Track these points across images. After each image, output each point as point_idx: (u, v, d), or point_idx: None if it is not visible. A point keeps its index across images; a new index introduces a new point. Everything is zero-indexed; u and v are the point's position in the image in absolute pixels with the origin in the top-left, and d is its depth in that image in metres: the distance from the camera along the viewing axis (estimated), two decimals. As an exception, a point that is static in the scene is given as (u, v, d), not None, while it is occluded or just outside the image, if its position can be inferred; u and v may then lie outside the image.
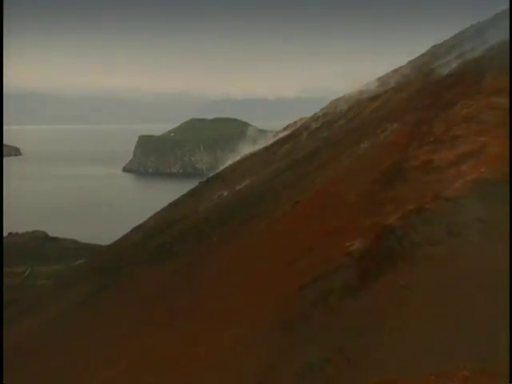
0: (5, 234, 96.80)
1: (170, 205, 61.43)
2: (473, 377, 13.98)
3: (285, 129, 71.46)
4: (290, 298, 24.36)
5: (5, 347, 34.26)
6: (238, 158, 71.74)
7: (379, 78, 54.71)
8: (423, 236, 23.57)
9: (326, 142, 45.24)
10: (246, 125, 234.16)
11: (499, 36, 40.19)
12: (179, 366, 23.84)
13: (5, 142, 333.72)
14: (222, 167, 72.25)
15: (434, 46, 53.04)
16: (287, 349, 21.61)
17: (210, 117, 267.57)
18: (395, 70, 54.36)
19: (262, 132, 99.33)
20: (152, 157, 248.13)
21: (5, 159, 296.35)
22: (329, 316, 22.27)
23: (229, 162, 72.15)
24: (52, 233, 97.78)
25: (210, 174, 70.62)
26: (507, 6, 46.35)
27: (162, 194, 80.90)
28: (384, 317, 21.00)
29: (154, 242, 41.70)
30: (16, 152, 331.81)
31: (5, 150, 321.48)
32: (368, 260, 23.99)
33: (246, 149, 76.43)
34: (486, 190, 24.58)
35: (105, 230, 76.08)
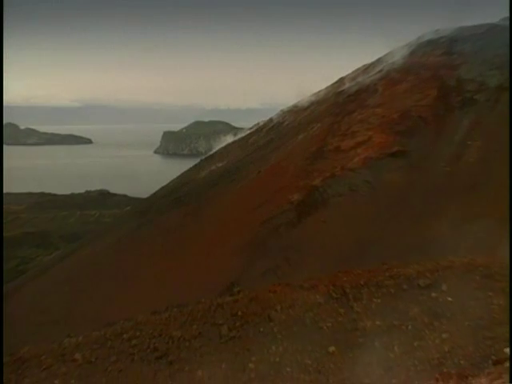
0: (82, 191, 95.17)
1: (182, 173, 60.76)
2: (363, 273, 14.29)
3: (252, 127, 70.64)
4: (255, 229, 24.51)
5: (92, 256, 34.10)
6: (223, 144, 70.81)
7: (312, 95, 53.98)
8: (334, 191, 23.90)
9: (277, 135, 44.96)
10: (228, 125, 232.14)
11: (382, 71, 40.23)
12: (189, 268, 24.01)
13: (80, 135, 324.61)
14: (214, 150, 71.37)
15: (341, 77, 52.62)
16: (253, 259, 21.83)
17: (207, 120, 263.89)
18: (320, 90, 53.80)
19: (238, 129, 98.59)
20: (172, 144, 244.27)
21: (80, 146, 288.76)
22: (279, 240, 22.54)
23: (218, 147, 71.33)
24: (112, 190, 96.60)
25: (207, 155, 69.87)
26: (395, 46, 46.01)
27: (178, 167, 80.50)
28: (312, 240, 21.37)
29: (173, 195, 41.30)
30: (88, 141, 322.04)
31: (80, 140, 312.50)
32: (302, 206, 24.25)
33: (228, 139, 75.53)
34: (372, 164, 24.97)
35: (143, 188, 75.35)
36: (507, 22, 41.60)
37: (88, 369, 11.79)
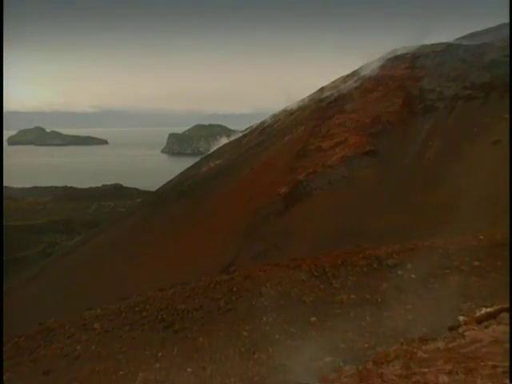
0: (99, 185, 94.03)
1: (185, 169, 60.22)
2: (340, 255, 14.25)
3: (245, 130, 69.98)
4: (248, 217, 24.44)
5: (108, 241, 33.76)
6: (220, 145, 70.13)
7: (298, 102, 53.40)
8: (316, 185, 23.88)
9: (267, 136, 44.64)
10: (225, 127, 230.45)
11: (358, 81, 40.02)
12: (191, 250, 23.89)
13: (97, 136, 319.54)
14: (212, 150, 70.66)
15: (321, 87, 52.17)
16: (247, 243, 21.81)
17: (206, 123, 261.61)
18: (304, 98, 53.30)
19: (234, 131, 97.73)
20: (176, 144, 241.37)
21: (97, 146, 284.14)
22: (268, 226, 22.52)
23: (216, 147, 70.60)
24: (125, 184, 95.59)
25: (207, 154, 69.24)
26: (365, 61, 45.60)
27: (181, 164, 79.84)
28: (297, 226, 21.36)
29: (177, 189, 40.94)
30: (104, 142, 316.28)
31: (97, 141, 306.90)
32: (289, 198, 24.21)
33: (225, 140, 74.84)
34: (348, 162, 24.95)
35: (152, 182, 74.62)
36: (461, 41, 41.59)
37: (105, 336, 11.80)
